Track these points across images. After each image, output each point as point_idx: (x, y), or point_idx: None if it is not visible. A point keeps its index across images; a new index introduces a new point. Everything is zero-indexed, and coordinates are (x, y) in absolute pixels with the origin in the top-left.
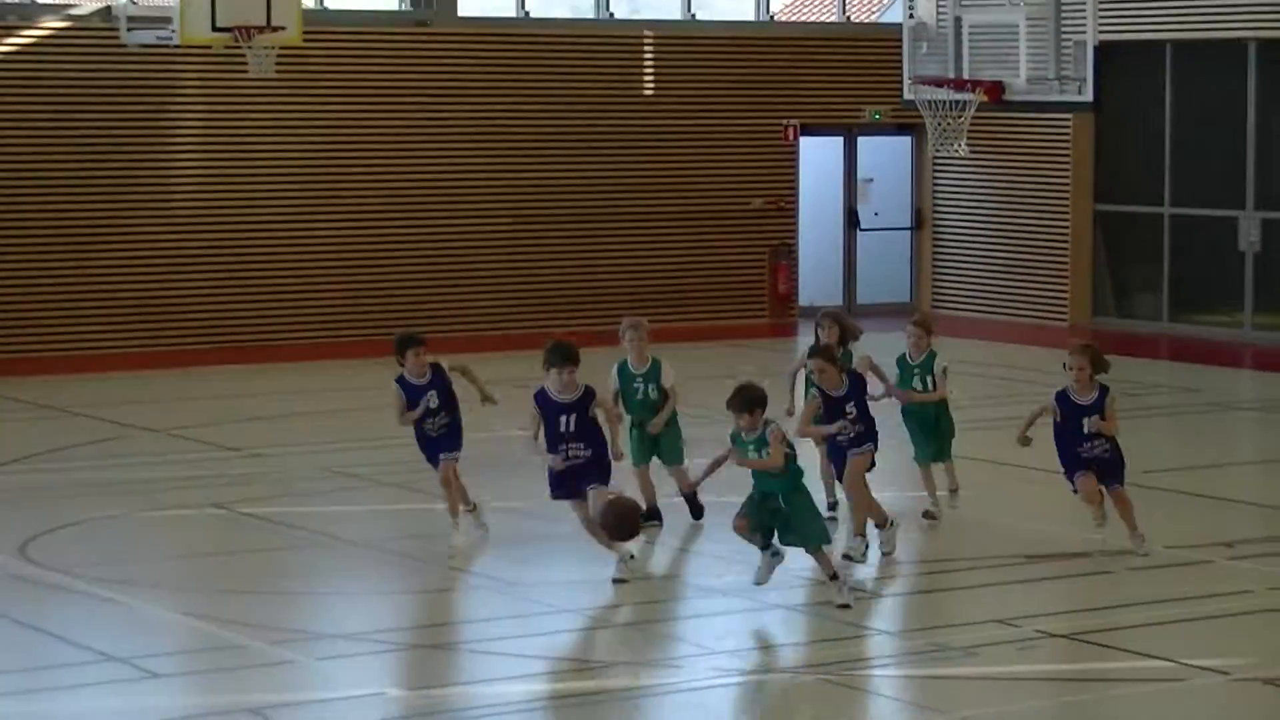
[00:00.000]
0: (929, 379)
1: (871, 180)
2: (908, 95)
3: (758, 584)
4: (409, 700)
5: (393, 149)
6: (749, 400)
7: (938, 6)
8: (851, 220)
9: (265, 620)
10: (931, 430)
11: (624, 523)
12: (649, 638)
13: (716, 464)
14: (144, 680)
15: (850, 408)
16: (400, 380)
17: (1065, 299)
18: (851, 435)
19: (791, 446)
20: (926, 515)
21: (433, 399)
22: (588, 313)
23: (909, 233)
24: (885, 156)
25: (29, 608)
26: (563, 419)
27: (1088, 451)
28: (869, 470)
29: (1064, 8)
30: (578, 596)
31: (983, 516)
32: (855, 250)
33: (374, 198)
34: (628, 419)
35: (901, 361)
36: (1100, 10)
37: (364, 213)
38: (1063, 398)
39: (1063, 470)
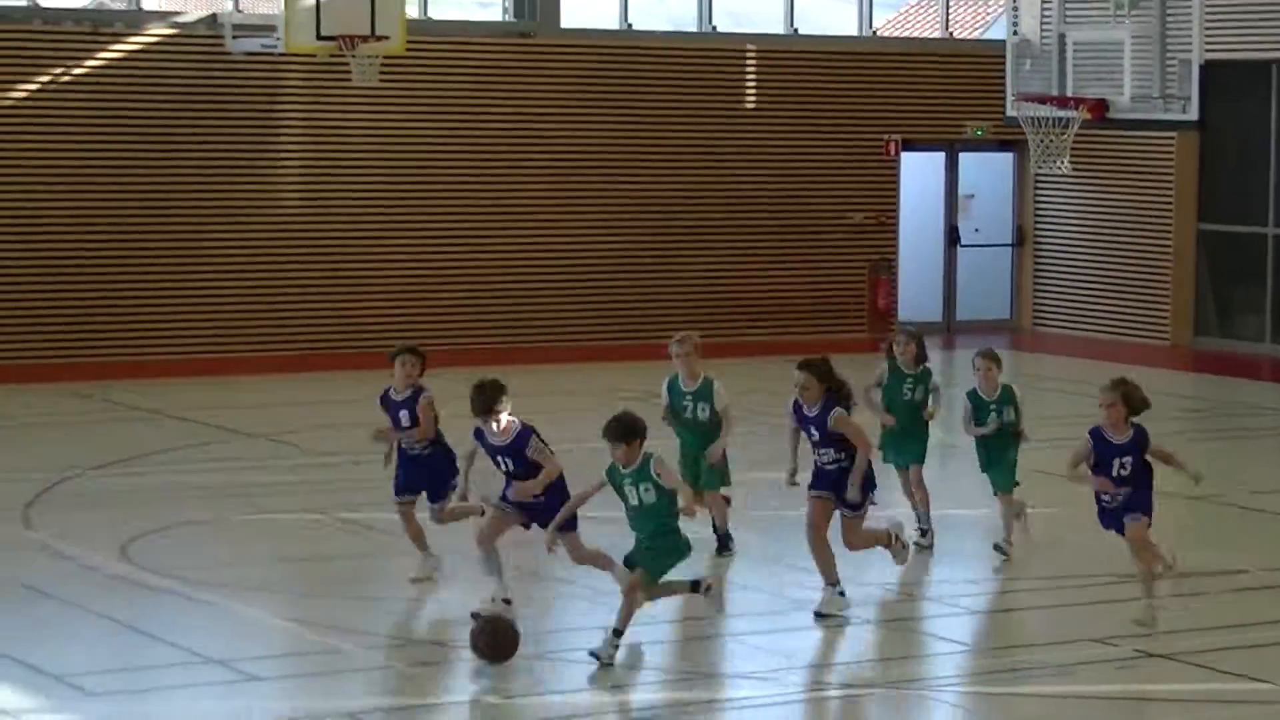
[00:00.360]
0: (1006, 411)
1: (973, 196)
2: (1010, 112)
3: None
4: (503, 709)
5: (494, 159)
6: (624, 430)
7: (1042, 23)
8: (952, 236)
9: (362, 625)
10: (999, 462)
11: (486, 644)
12: (742, 650)
13: (582, 498)
14: (242, 683)
15: (815, 431)
16: (383, 396)
17: (1167, 318)
18: (829, 465)
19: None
20: (996, 548)
21: (404, 417)
22: (688, 326)
23: (1010, 249)
24: (987, 173)
25: (129, 609)
26: (499, 459)
27: (1110, 501)
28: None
29: (1169, 26)
30: (669, 607)
31: (1077, 535)
32: (955, 266)
33: (476, 207)
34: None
35: (974, 397)
36: (1206, 29)
37: (465, 222)
38: (1097, 435)
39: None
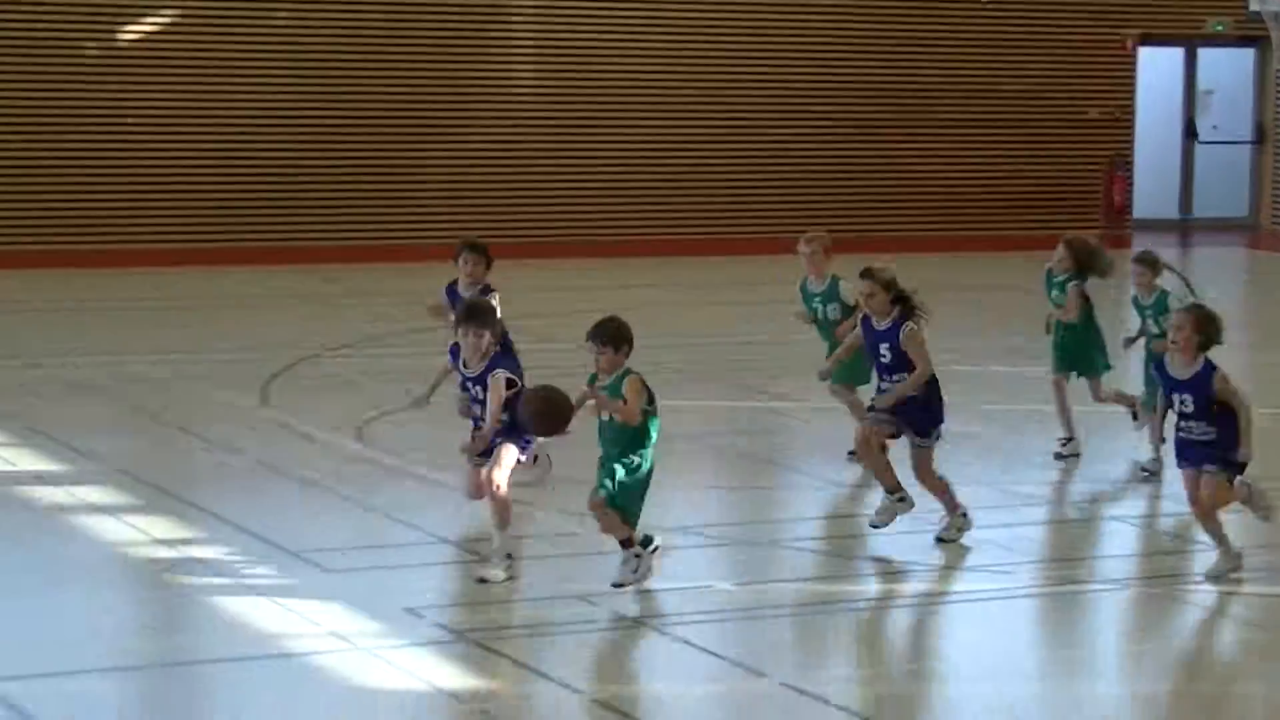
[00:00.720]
0: (1162, 320)
1: (1212, 93)
2: (1254, 6)
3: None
4: (735, 595)
5: (724, 52)
6: (608, 334)
7: None
8: (1189, 132)
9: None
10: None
11: (538, 410)
12: (969, 543)
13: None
14: (477, 564)
15: (885, 350)
16: (449, 287)
17: None
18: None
19: (652, 403)
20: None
21: None
22: (923, 218)
23: (1250, 147)
24: (1226, 69)
25: (366, 488)
26: (471, 387)
27: (1186, 432)
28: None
29: None
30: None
31: None
32: (1193, 163)
33: (706, 99)
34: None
35: (1135, 303)
36: None
37: (697, 114)
38: (1160, 366)
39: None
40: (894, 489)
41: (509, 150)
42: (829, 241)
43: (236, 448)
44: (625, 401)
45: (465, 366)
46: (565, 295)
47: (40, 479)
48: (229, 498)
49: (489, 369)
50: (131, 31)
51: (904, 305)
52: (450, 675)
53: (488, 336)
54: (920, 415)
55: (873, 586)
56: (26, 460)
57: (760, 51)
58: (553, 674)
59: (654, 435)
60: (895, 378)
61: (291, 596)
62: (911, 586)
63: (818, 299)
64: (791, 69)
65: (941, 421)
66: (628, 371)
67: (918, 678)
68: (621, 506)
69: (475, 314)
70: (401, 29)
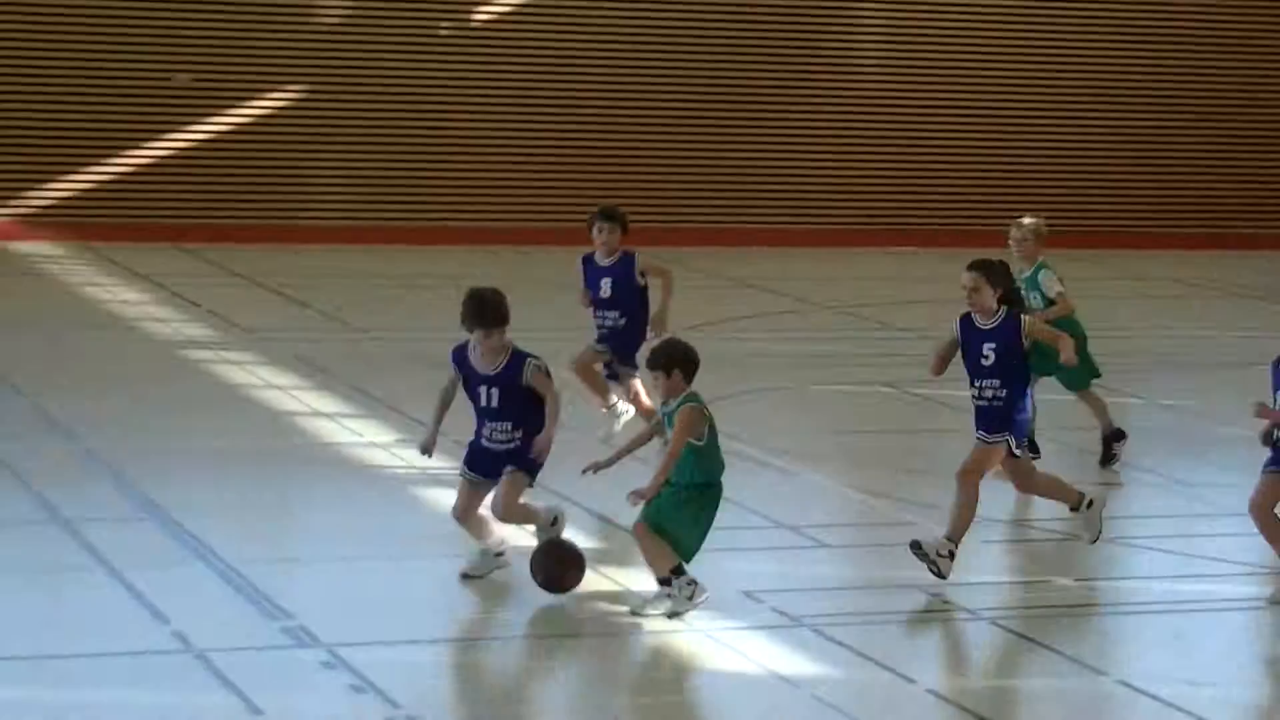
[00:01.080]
0: None
1: None
2: None
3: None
4: (1072, 590)
5: (1027, 43)
6: (657, 358)
7: None
8: None
9: (934, 500)
10: None
11: (552, 571)
12: None
13: (637, 442)
14: (813, 549)
15: (989, 351)
16: (586, 257)
17: None
18: (989, 400)
19: (710, 434)
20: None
21: (606, 287)
22: (1213, 217)
23: None
24: None
25: None
26: (483, 391)
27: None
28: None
29: None
30: (1242, 499)
31: None
32: None
33: (1021, 88)
34: None
35: None
36: None
37: (1025, 102)
38: (1278, 365)
39: None
40: (1077, 503)
41: (847, 137)
42: (1042, 229)
43: (577, 425)
44: (672, 436)
45: (478, 369)
46: (903, 284)
47: (386, 450)
48: (567, 474)
49: (510, 366)
50: (485, 11)
51: (1010, 304)
52: (785, 660)
53: (497, 335)
54: (999, 414)
55: (1213, 586)
56: (372, 431)
57: (1065, 47)
58: (886, 662)
59: (714, 467)
60: (988, 383)
61: (627, 576)
62: (1252, 589)
63: (1022, 284)
64: (1091, 62)
65: (1022, 430)
66: (687, 398)
67: (1257, 683)
68: (670, 534)
69: (482, 313)
70: (748, 14)
